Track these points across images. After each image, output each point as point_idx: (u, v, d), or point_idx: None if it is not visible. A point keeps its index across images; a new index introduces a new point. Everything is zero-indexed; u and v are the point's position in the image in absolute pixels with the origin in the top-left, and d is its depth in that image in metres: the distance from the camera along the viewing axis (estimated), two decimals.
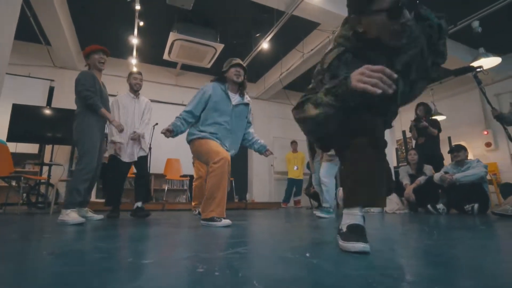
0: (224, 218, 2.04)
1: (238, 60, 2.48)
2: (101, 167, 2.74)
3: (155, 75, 6.64)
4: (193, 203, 3.76)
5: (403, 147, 7.40)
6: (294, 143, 6.88)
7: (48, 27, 4.54)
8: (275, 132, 7.39)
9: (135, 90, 3.20)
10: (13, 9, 2.64)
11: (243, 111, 2.51)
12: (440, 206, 3.24)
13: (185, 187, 6.25)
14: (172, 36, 4.96)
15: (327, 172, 3.10)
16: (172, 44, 5.17)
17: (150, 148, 4.22)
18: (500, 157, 6.10)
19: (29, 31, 4.68)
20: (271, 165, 7.20)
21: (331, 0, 4.21)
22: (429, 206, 3.30)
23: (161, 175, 6.06)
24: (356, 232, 1.03)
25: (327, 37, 4.94)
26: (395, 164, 7.32)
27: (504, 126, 3.45)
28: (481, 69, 3.35)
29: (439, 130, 4.44)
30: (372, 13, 1.01)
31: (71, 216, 2.16)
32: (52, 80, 5.81)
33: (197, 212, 3.58)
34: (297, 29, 5.15)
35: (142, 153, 3.20)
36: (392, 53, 1.10)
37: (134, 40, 4.89)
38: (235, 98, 2.45)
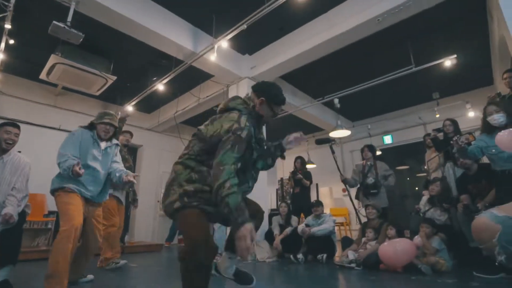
0: None
1: (110, 118, 2.49)
2: None
3: (28, 92, 5.63)
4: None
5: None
6: None
7: None
8: (164, 166, 7.17)
9: (3, 148, 2.34)
10: None
11: (112, 152, 2.56)
12: (299, 256, 3.80)
13: (49, 226, 5.35)
14: (53, 58, 4.39)
15: None
16: (53, 66, 4.58)
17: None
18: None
19: None
20: (158, 201, 6.95)
21: (224, 59, 4.61)
22: (291, 256, 3.83)
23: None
24: None
25: (222, 88, 5.33)
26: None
27: (347, 188, 4.40)
28: (334, 141, 4.23)
29: (311, 181, 5.23)
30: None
31: None
32: None
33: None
34: (193, 77, 5.35)
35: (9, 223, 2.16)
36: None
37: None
38: (103, 143, 2.48)
